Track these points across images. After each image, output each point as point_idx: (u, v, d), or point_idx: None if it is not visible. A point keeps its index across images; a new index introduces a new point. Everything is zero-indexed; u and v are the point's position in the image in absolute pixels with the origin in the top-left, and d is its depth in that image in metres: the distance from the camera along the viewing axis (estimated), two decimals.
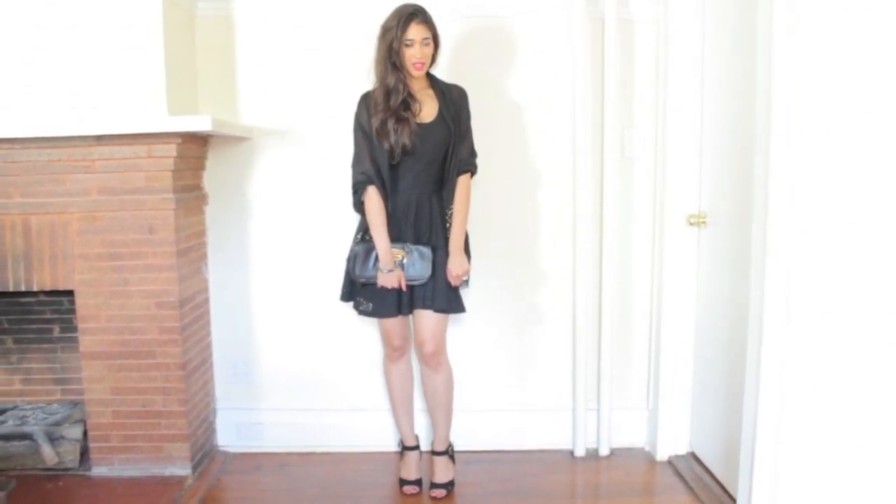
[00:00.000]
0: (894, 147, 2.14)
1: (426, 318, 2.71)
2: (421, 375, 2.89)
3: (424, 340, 2.73)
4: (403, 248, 2.64)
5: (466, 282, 2.75)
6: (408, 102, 2.60)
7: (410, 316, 2.78)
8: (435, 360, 2.76)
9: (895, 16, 2.09)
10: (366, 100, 2.67)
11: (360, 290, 2.75)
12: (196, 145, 2.93)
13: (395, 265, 2.64)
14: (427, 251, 2.64)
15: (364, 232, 2.72)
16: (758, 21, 2.23)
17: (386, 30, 2.56)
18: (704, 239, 2.98)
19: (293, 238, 3.15)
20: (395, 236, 2.66)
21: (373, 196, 2.64)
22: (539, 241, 3.17)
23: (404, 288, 2.66)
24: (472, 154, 2.74)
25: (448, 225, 2.68)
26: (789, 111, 2.14)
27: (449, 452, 2.92)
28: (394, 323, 2.77)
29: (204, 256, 3.13)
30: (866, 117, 2.13)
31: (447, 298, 2.68)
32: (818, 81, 2.13)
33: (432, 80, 2.70)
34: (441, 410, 2.86)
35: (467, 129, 2.71)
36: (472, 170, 2.74)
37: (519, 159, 3.04)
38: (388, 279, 2.64)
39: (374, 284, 2.68)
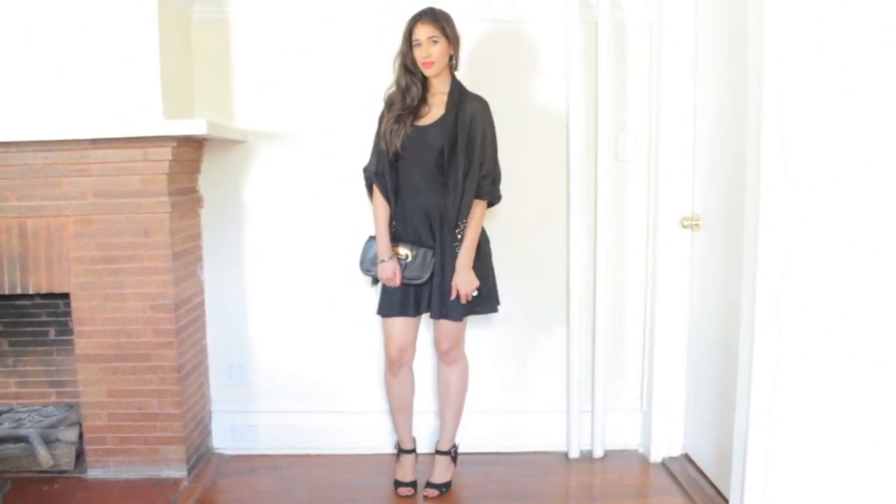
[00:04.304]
0: (884, 149, 2.16)
1: (442, 323, 2.76)
2: (437, 368, 2.96)
3: (440, 339, 2.81)
4: (411, 249, 2.69)
5: (487, 302, 2.77)
6: (418, 105, 2.67)
7: (415, 324, 2.82)
8: (450, 356, 2.83)
9: (882, 18, 2.11)
10: (386, 100, 2.75)
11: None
12: (191, 148, 2.94)
13: (389, 257, 2.69)
14: (431, 256, 2.67)
15: None
16: (748, 24, 2.25)
17: (403, 33, 2.66)
18: (698, 241, 2.99)
19: (288, 240, 3.16)
20: (412, 239, 2.71)
21: (376, 193, 2.77)
22: (533, 243, 3.18)
23: (397, 283, 2.69)
24: (495, 182, 2.72)
25: (460, 236, 2.68)
26: (780, 114, 2.16)
27: (452, 454, 2.93)
28: (396, 327, 2.78)
29: (199, 259, 3.14)
30: (857, 119, 2.15)
31: (456, 306, 2.69)
32: (809, 85, 2.15)
33: (453, 87, 2.69)
34: (451, 407, 2.89)
35: (484, 147, 2.67)
36: (493, 200, 2.74)
37: (512, 161, 3.04)
38: (383, 269, 2.71)
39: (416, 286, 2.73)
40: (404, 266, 2.69)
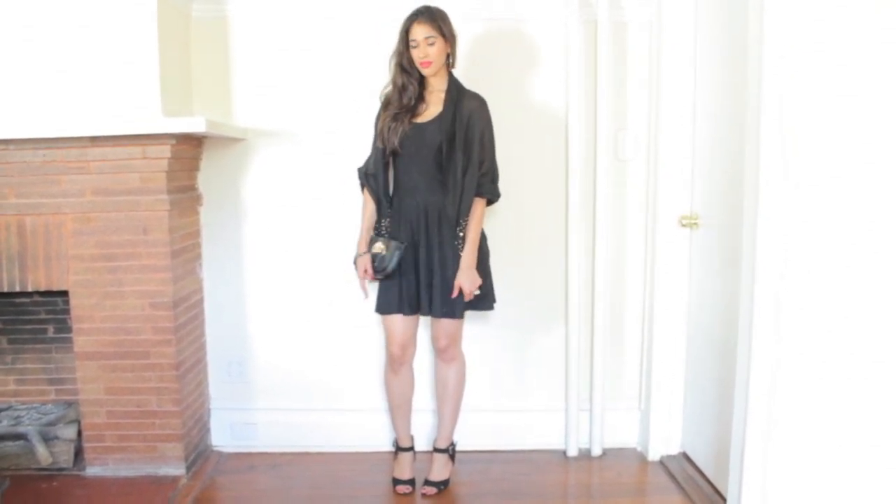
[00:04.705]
0: (884, 149, 2.16)
1: (441, 321, 2.77)
2: (434, 366, 2.98)
3: (438, 337, 2.82)
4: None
5: (485, 299, 2.78)
6: (416, 103, 2.67)
7: (414, 320, 2.82)
8: (448, 353, 2.84)
9: (882, 18, 2.11)
10: (382, 100, 2.76)
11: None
12: (190, 146, 2.94)
13: (361, 253, 2.76)
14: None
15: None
16: (748, 24, 2.25)
17: (399, 32, 2.65)
18: (697, 240, 3.00)
19: (287, 238, 3.16)
20: (406, 237, 2.71)
21: (365, 194, 2.82)
22: (532, 242, 3.18)
23: (369, 277, 2.74)
24: (494, 180, 2.73)
25: (461, 234, 2.68)
26: (780, 114, 2.16)
27: (449, 451, 2.94)
28: (396, 323, 2.78)
29: (198, 257, 3.14)
30: (857, 119, 2.15)
31: (457, 303, 2.69)
32: (809, 85, 2.15)
33: (450, 85, 2.70)
34: (449, 405, 2.90)
35: (483, 144, 2.67)
36: (492, 198, 2.75)
37: (511, 160, 3.05)
38: (357, 264, 2.79)
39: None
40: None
